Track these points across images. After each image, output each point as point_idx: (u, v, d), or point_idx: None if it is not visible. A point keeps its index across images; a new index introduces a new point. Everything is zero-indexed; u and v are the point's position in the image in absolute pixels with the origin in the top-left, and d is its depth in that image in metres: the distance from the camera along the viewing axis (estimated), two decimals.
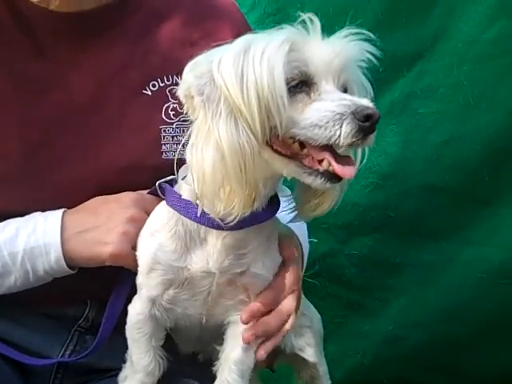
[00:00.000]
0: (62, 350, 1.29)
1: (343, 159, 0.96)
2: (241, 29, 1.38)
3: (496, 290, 1.79)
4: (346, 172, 0.95)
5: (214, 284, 1.10)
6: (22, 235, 1.18)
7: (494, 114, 1.78)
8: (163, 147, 1.29)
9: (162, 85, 1.30)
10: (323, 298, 1.98)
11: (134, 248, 1.17)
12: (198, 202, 1.05)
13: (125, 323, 1.17)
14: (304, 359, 1.53)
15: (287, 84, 0.94)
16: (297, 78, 0.96)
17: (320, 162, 0.96)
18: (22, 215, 1.21)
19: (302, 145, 0.97)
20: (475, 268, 1.81)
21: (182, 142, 1.26)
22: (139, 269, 1.14)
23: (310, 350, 1.53)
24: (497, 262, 1.79)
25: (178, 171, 1.15)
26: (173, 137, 1.30)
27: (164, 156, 1.29)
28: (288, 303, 1.17)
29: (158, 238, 1.10)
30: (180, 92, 1.00)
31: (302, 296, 1.65)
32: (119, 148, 1.26)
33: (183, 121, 1.30)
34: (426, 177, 1.83)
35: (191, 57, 1.28)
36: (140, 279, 1.14)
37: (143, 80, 1.29)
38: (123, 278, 1.21)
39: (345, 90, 1.01)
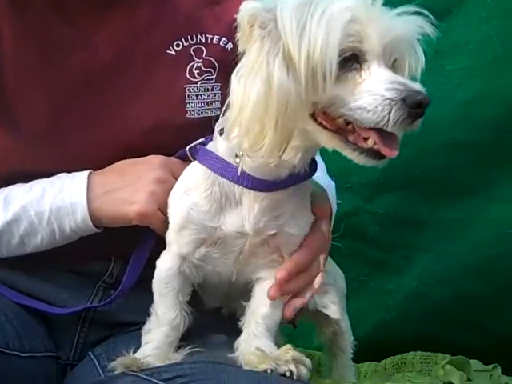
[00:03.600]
0: (88, 304, 1.31)
1: (388, 138, 0.97)
2: None
3: None
4: (391, 152, 0.97)
5: (247, 244, 1.12)
6: (49, 195, 1.20)
7: None
8: (188, 106, 1.30)
9: (186, 44, 1.30)
10: (347, 257, 1.97)
11: (161, 209, 1.19)
12: (236, 160, 1.06)
13: (149, 278, 1.19)
14: (327, 316, 1.55)
15: (339, 55, 0.93)
16: (349, 51, 0.95)
17: (365, 139, 0.97)
18: (48, 176, 1.24)
19: (347, 120, 0.98)
20: (501, 225, 1.80)
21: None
22: (170, 226, 1.16)
23: (333, 307, 1.54)
24: None
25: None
26: (197, 95, 1.30)
27: (189, 115, 1.30)
28: (317, 263, 1.18)
29: (192, 196, 1.12)
30: (242, 16, 0.98)
31: None
32: (144, 108, 1.27)
33: (207, 79, 1.31)
34: (452, 134, 1.81)
35: (215, 15, 1.30)
36: (171, 236, 1.16)
37: (167, 39, 1.29)
38: (148, 233, 1.23)
39: (394, 62, 1.01)
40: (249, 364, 1.06)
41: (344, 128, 0.98)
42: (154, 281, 1.18)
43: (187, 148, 1.20)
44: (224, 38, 1.31)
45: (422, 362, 1.68)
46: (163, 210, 1.19)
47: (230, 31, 1.29)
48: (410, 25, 0.99)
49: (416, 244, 1.91)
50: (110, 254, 1.33)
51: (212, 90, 1.31)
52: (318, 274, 1.20)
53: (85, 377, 1.25)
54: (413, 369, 1.67)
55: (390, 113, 0.92)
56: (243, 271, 1.17)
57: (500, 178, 1.80)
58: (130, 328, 1.31)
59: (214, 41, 1.32)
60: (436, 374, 1.58)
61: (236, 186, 1.09)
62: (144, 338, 1.19)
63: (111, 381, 1.11)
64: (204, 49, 1.31)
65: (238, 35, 1.00)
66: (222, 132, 1.12)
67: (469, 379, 1.53)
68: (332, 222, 1.31)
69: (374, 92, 0.94)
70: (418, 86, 0.95)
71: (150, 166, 1.23)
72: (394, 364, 1.72)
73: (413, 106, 0.92)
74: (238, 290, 1.21)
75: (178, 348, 1.18)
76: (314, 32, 0.92)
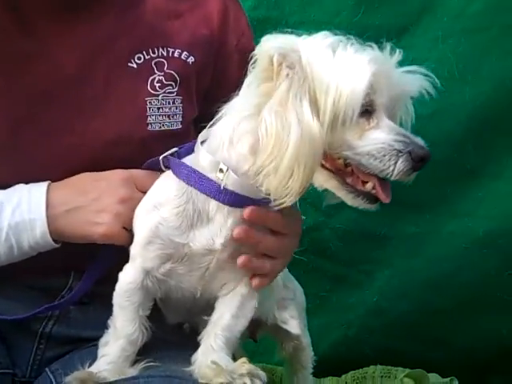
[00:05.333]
0: (46, 320, 1.29)
1: (385, 184, 1.02)
2: (227, 2, 1.38)
3: (480, 260, 1.80)
4: (387, 198, 1.02)
5: (214, 260, 1.12)
6: (7, 210, 1.18)
7: (479, 87, 1.79)
8: (149, 119, 1.29)
9: (147, 57, 1.30)
10: (308, 272, 1.98)
11: (125, 227, 1.18)
12: (218, 174, 1.07)
13: (108, 294, 1.17)
14: (287, 331, 1.55)
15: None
16: (365, 103, 0.99)
17: (363, 182, 1.01)
18: (8, 187, 1.21)
19: (346, 162, 1.01)
20: (460, 239, 1.83)
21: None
22: (136, 239, 1.15)
23: (293, 322, 1.55)
24: (481, 232, 1.80)
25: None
26: (158, 108, 1.30)
27: (150, 128, 1.29)
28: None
29: (162, 212, 1.11)
30: (266, 52, 1.00)
31: (285, 269, 1.67)
32: (105, 121, 1.26)
33: (169, 93, 1.31)
34: None
35: (176, 29, 1.30)
36: (136, 249, 1.15)
37: (129, 52, 1.29)
38: (108, 246, 1.21)
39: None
40: (204, 378, 1.05)
41: (343, 169, 1.02)
42: (114, 293, 1.16)
43: (160, 157, 1.18)
44: (185, 52, 1.32)
45: (382, 376, 1.69)
46: (128, 227, 1.18)
47: (192, 45, 1.32)
48: (414, 83, 1.05)
49: (376, 259, 1.93)
50: (69, 268, 1.30)
51: (173, 103, 1.31)
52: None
53: None
54: (373, 383, 1.68)
55: (395, 163, 0.97)
56: (208, 288, 1.16)
57: (457, 193, 1.83)
58: (88, 344, 1.29)
59: (176, 54, 1.31)
60: None
61: (211, 202, 1.09)
62: (100, 351, 1.17)
63: None
64: (165, 62, 1.31)
65: (256, 69, 1.02)
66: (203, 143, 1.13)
67: None
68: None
69: (382, 141, 0.99)
70: (421, 141, 1.01)
71: (112, 184, 1.21)
72: (354, 378, 1.73)
73: (417, 160, 0.98)
74: (201, 305, 1.20)
75: (135, 362, 1.16)
76: (342, 81, 0.96)
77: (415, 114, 1.80)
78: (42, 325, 1.29)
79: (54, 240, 1.19)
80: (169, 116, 1.31)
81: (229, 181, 1.07)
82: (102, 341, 1.18)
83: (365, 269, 1.95)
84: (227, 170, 1.06)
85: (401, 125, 1.09)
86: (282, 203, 1.00)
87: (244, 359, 1.08)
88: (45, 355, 1.30)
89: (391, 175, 0.98)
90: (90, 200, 1.19)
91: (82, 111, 1.25)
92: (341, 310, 1.97)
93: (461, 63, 1.79)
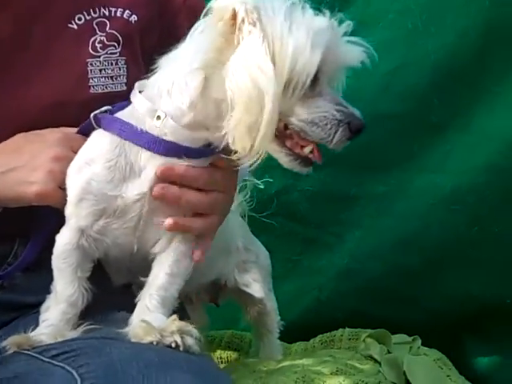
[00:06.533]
0: None
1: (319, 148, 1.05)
2: None
3: (448, 216, 1.76)
4: (320, 161, 1.08)
5: (146, 206, 1.10)
6: None
7: (443, 38, 1.73)
8: (91, 81, 1.26)
9: (88, 18, 1.26)
10: (279, 237, 1.95)
11: (61, 187, 1.14)
12: (155, 122, 1.07)
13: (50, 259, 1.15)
14: (250, 295, 1.54)
15: None
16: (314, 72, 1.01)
17: (302, 146, 1.05)
18: None
19: (286, 125, 1.04)
20: (427, 196, 1.78)
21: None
22: (69, 199, 1.13)
23: (255, 286, 1.54)
24: (448, 188, 1.75)
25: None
26: (100, 70, 1.27)
27: (92, 90, 1.26)
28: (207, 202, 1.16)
29: (94, 167, 1.10)
30: (226, 7, 0.99)
31: (248, 231, 1.65)
32: (46, 84, 1.23)
33: (111, 53, 1.27)
34: (375, 106, 1.77)
35: None
36: (69, 210, 1.13)
37: (68, 13, 1.25)
38: (49, 211, 1.19)
39: None
40: (136, 337, 1.03)
41: (283, 132, 1.04)
42: (52, 256, 1.15)
43: (91, 115, 1.15)
44: (128, 11, 1.28)
45: (350, 339, 1.66)
46: (63, 186, 1.14)
47: (134, 3, 1.28)
48: (355, 54, 1.08)
49: (346, 220, 1.89)
50: (14, 234, 1.28)
51: (116, 63, 1.28)
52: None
53: None
54: (341, 346, 1.65)
55: (336, 132, 1.02)
56: (143, 241, 1.14)
57: (423, 149, 1.79)
58: (34, 310, 1.25)
59: (118, 14, 1.28)
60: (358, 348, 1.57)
61: (143, 154, 1.09)
62: (42, 316, 1.16)
63: (5, 361, 1.07)
64: (107, 22, 1.27)
65: (211, 21, 1.01)
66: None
67: (389, 351, 1.51)
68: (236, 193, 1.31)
69: (325, 109, 1.02)
70: (358, 112, 1.06)
71: (46, 144, 1.18)
72: (322, 342, 1.70)
73: (354, 131, 1.04)
74: (139, 264, 1.18)
75: (79, 326, 1.14)
76: (300, 48, 0.98)
77: (379, 70, 1.78)
78: None
79: None
80: (112, 77, 1.28)
81: (166, 129, 1.07)
82: (44, 306, 1.17)
83: (335, 231, 1.91)
84: (165, 116, 1.07)
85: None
86: (243, 162, 1.03)
87: (174, 316, 1.06)
88: None
89: (330, 143, 1.03)
90: (24, 160, 1.16)
91: (21, 75, 1.22)
92: (312, 274, 1.94)
93: (424, 14, 1.73)
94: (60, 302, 1.15)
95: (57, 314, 1.14)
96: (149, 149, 1.08)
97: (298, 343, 1.78)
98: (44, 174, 1.14)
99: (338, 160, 1.82)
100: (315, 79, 1.01)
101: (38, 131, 1.20)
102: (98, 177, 1.09)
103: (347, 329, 1.72)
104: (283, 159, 1.06)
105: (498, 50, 1.68)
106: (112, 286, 1.27)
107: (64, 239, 1.14)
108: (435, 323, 1.79)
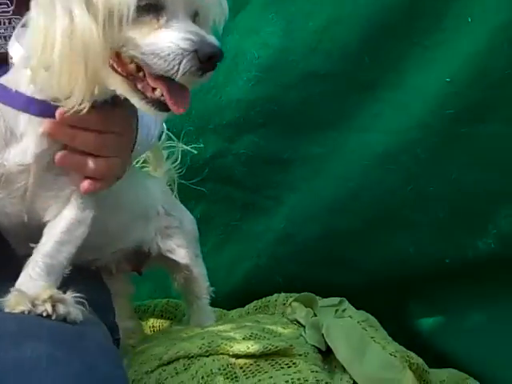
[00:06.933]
0: None
1: (178, 90, 0.97)
2: None
3: (383, 176, 1.70)
4: (178, 108, 0.97)
5: (31, 176, 1.06)
6: None
7: None
8: None
9: None
10: (217, 202, 1.92)
11: None
12: (28, 72, 1.00)
13: None
14: (175, 261, 1.51)
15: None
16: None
17: (154, 89, 0.97)
18: None
19: (139, 67, 0.97)
20: (361, 156, 1.72)
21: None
22: None
23: (180, 252, 1.52)
24: (381, 148, 1.70)
25: None
26: None
27: None
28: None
29: None
30: None
31: (171, 197, 1.61)
32: None
33: (3, 12, 1.21)
34: (307, 65, 1.72)
35: None
36: None
37: None
38: None
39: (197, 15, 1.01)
40: (9, 307, 0.97)
41: (135, 74, 0.97)
42: None
43: None
44: None
45: (284, 304, 1.62)
46: None
47: None
48: None
49: (282, 183, 1.84)
50: None
51: (9, 23, 1.21)
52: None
53: None
54: (275, 311, 1.62)
55: (180, 63, 0.92)
56: (33, 209, 1.10)
57: (355, 108, 1.72)
58: None
59: None
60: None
61: (21, 117, 1.04)
62: None
63: None
64: None
65: None
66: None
67: (316, 315, 1.48)
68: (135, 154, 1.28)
69: (168, 40, 0.94)
70: (212, 39, 0.95)
71: None
72: (257, 308, 1.67)
73: (203, 60, 0.93)
74: (37, 233, 1.11)
75: None
76: None
77: (309, 27, 1.73)
78: None
79: None
80: (5, 37, 1.20)
81: (39, 82, 1.01)
82: None
83: (271, 194, 1.86)
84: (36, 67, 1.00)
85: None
86: (70, 103, 0.97)
87: (48, 284, 1.02)
88: None
89: (176, 75, 0.93)
90: None
91: None
92: (251, 240, 1.89)
93: None
94: None
95: None
96: (24, 111, 1.03)
97: (235, 310, 1.75)
98: None
99: (270, 121, 1.81)
100: (159, 9, 0.95)
101: None
102: None
103: (282, 294, 1.69)
104: (137, 103, 0.99)
105: (427, 2, 1.62)
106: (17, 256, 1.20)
107: None
108: (376, 286, 1.75)
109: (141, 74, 0.97)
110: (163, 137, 1.65)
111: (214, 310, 1.72)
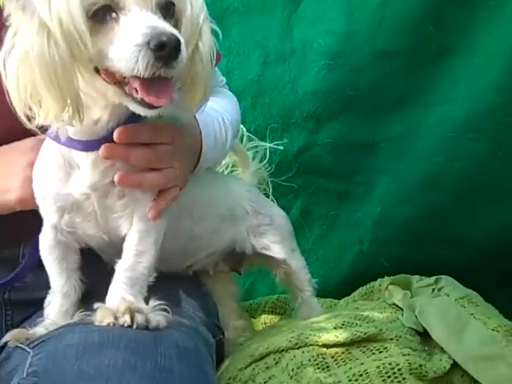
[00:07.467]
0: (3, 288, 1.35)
1: (156, 85, 0.97)
2: None
3: (466, 147, 1.66)
4: (156, 100, 0.97)
5: (95, 203, 1.14)
6: None
7: None
8: None
9: None
10: (313, 194, 1.94)
11: None
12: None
13: None
14: (272, 257, 1.53)
15: (89, 12, 0.94)
16: (98, 2, 0.95)
17: (137, 89, 0.97)
18: None
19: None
20: (442, 128, 1.69)
21: None
22: (37, 201, 1.18)
23: (275, 247, 1.53)
24: (462, 117, 1.65)
25: None
26: None
27: None
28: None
29: (45, 168, 1.15)
30: None
31: (260, 194, 1.65)
32: None
33: None
34: (374, 45, 1.71)
35: None
36: (41, 210, 1.19)
37: None
38: None
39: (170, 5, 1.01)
40: (97, 321, 1.06)
41: (121, 80, 0.99)
42: (40, 254, 1.23)
43: None
44: None
45: (386, 288, 1.61)
46: None
47: None
48: None
49: (370, 167, 1.84)
50: (19, 237, 1.34)
51: None
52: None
53: None
54: (380, 296, 1.60)
55: (137, 60, 0.92)
56: (108, 230, 1.18)
57: (431, 80, 1.69)
58: None
59: None
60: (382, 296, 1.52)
61: (72, 150, 1.11)
62: (45, 311, 1.23)
63: (9, 356, 1.16)
64: None
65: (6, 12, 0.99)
66: None
67: (413, 296, 1.45)
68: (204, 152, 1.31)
69: (126, 40, 0.94)
70: (162, 27, 0.94)
71: (20, 151, 1.23)
72: (362, 294, 1.66)
73: (155, 50, 0.92)
74: (121, 248, 1.18)
75: None
76: (57, 4, 0.93)
77: (368, 6, 1.70)
78: (1, 293, 1.36)
79: None
80: None
81: (68, 131, 1.08)
82: (46, 301, 1.24)
83: (362, 180, 1.86)
84: None
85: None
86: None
87: (125, 296, 1.09)
88: (14, 319, 1.37)
89: (140, 73, 0.93)
90: (1, 169, 1.23)
91: None
92: (351, 227, 1.90)
93: None
94: (55, 295, 1.22)
95: (54, 307, 1.22)
96: (70, 147, 1.10)
97: (343, 299, 1.75)
98: (19, 181, 1.20)
99: (348, 106, 1.80)
100: (116, 10, 0.95)
101: (16, 142, 1.25)
102: (49, 177, 1.14)
103: (385, 278, 1.67)
104: (131, 106, 1.01)
105: None
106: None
107: (44, 237, 1.21)
108: (474, 259, 1.71)
109: (126, 79, 0.98)
110: (244, 138, 1.69)
111: (325, 301, 1.74)
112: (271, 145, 1.77)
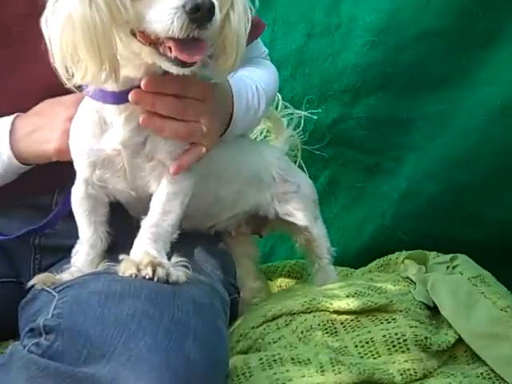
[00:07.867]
0: (26, 230, 1.40)
1: (189, 44, 1.02)
2: None
3: (499, 131, 1.67)
4: (190, 57, 1.02)
5: (125, 160, 1.19)
6: None
7: None
8: None
9: None
10: (342, 166, 1.98)
11: None
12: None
13: None
14: (294, 224, 1.58)
15: None
16: None
17: (171, 49, 1.03)
18: None
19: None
20: (479, 111, 1.70)
21: None
22: (71, 154, 1.25)
23: (298, 214, 1.58)
24: (498, 102, 1.66)
25: None
26: None
27: None
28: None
29: (81, 125, 1.22)
30: None
31: (289, 162, 1.68)
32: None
33: None
34: (419, 24, 1.72)
35: None
36: (74, 164, 1.25)
37: None
38: None
39: None
40: (120, 271, 1.11)
41: (156, 41, 1.04)
42: (71, 205, 1.29)
43: None
44: None
45: (402, 262, 1.64)
46: None
47: None
48: None
49: (402, 143, 1.86)
50: (54, 185, 1.41)
51: None
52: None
53: None
54: (395, 269, 1.64)
55: (172, 22, 0.98)
56: (136, 186, 1.23)
57: (473, 62, 1.70)
58: None
59: None
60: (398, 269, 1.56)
61: (106, 107, 1.17)
62: (72, 259, 1.30)
63: (34, 297, 1.22)
64: None
65: None
66: None
67: (427, 272, 1.49)
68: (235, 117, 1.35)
69: (163, 3, 0.99)
70: None
71: (64, 106, 1.29)
72: (378, 266, 1.69)
73: (191, 12, 0.97)
74: (147, 205, 1.24)
75: None
76: None
77: None
78: (32, 238, 1.43)
79: (21, 163, 1.31)
80: None
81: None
82: (74, 250, 1.31)
83: (393, 155, 1.88)
84: None
85: None
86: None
87: (149, 250, 1.14)
88: (42, 263, 1.44)
89: (175, 33, 0.99)
90: (44, 122, 1.30)
91: (39, 47, 1.17)
92: (377, 200, 1.93)
93: None
94: (83, 245, 1.29)
95: (82, 256, 1.28)
96: (104, 102, 1.16)
97: (359, 269, 1.80)
98: (59, 133, 1.27)
99: (386, 83, 1.82)
100: None
101: (61, 97, 1.31)
102: (84, 133, 1.20)
103: (403, 252, 1.70)
104: (164, 65, 1.06)
105: None
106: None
107: (75, 189, 1.27)
108: (496, 238, 1.73)
109: (160, 39, 1.03)
110: (279, 105, 1.73)
111: (342, 270, 1.79)
112: (306, 113, 1.80)
